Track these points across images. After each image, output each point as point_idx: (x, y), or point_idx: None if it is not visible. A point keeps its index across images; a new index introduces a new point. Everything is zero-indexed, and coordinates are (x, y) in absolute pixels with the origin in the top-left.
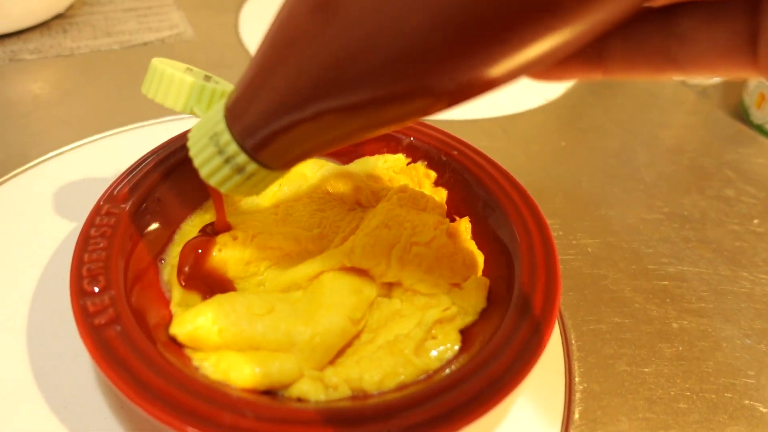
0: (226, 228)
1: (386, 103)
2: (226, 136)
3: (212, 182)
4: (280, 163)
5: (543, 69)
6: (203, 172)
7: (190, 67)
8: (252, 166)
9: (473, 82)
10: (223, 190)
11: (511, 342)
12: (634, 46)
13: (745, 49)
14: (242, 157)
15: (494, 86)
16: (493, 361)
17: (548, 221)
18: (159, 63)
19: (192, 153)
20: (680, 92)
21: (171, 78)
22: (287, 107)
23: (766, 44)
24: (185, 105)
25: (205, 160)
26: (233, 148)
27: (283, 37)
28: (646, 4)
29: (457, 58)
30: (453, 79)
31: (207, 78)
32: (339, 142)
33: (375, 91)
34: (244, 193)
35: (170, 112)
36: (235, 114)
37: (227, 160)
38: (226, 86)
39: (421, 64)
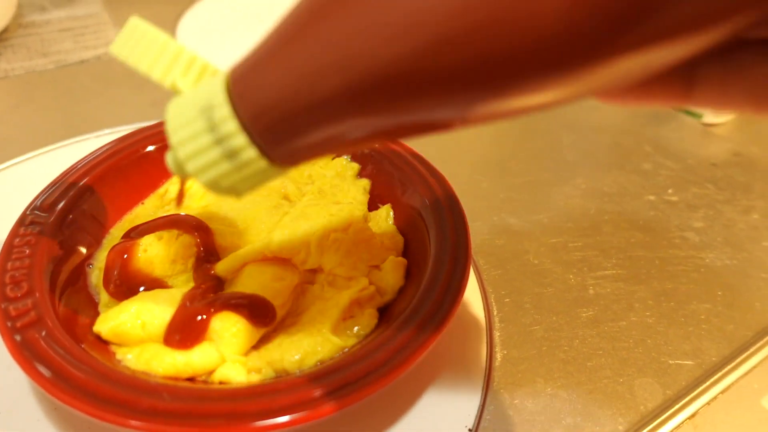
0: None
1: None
2: (224, 110)
3: (191, 166)
4: (286, 154)
5: (613, 94)
6: (182, 152)
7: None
8: (250, 152)
9: (526, 106)
10: (202, 179)
11: (421, 313)
12: (731, 75)
13: None
14: (241, 138)
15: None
16: (402, 332)
17: (474, 204)
18: (140, 21)
19: (170, 127)
20: None
21: (155, 37)
22: (326, 85)
23: None
24: (165, 72)
25: (187, 138)
26: (231, 124)
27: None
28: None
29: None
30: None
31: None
32: (360, 144)
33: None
34: (223, 189)
35: (107, 125)
36: (246, 88)
37: (219, 140)
38: (214, 65)
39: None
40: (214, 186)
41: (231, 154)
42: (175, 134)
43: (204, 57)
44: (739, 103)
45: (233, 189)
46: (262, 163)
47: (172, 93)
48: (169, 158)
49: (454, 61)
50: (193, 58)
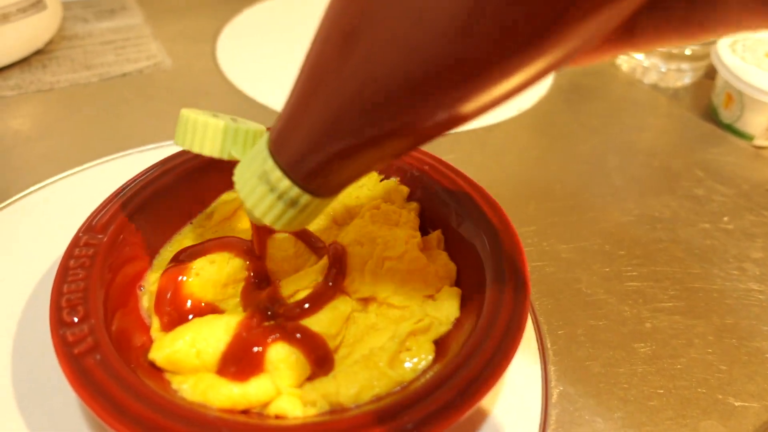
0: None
1: (430, 117)
2: (276, 173)
3: (267, 220)
4: (330, 189)
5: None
6: (258, 212)
7: (215, 113)
8: (305, 198)
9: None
10: (278, 226)
11: (482, 349)
12: (662, 18)
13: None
14: (295, 190)
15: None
16: (464, 369)
17: (522, 229)
18: (188, 113)
19: (242, 195)
20: (652, 96)
21: (205, 125)
22: (333, 135)
23: None
24: (222, 149)
25: (258, 200)
26: (285, 183)
27: (319, 66)
28: None
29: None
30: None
31: (234, 120)
32: (386, 161)
33: (421, 110)
34: (295, 226)
35: (150, 140)
36: (281, 147)
37: (280, 196)
38: (255, 126)
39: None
40: (288, 227)
41: (292, 203)
42: (247, 200)
43: (244, 123)
44: (673, 39)
45: (302, 224)
46: (316, 201)
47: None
48: (248, 213)
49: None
50: (236, 129)
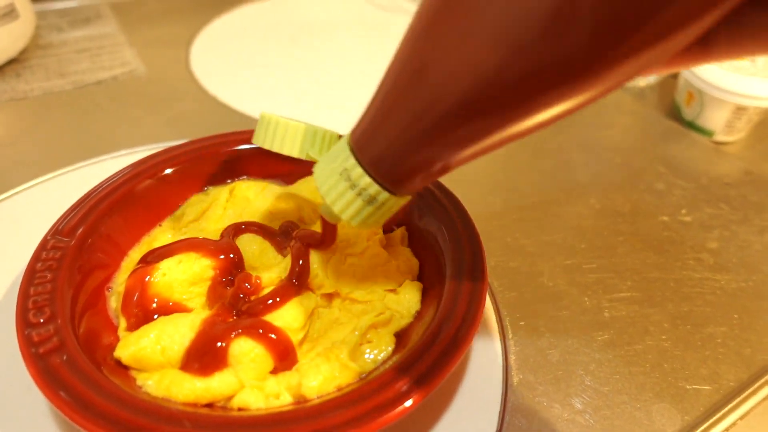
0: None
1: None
2: (357, 170)
3: (346, 216)
4: (408, 188)
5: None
6: (337, 208)
7: (289, 117)
8: (384, 195)
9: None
10: (355, 222)
11: (438, 339)
12: (738, 31)
13: None
14: (375, 188)
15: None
16: (421, 358)
17: (488, 225)
18: (269, 115)
19: (323, 191)
20: (618, 95)
21: (286, 126)
22: (415, 137)
23: None
24: (301, 150)
25: (338, 196)
26: (366, 180)
27: (405, 71)
28: None
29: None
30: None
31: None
32: (462, 163)
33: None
34: (370, 224)
35: (124, 146)
36: (364, 146)
37: (360, 193)
38: (330, 130)
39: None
40: (363, 224)
41: (370, 200)
42: (328, 196)
43: (321, 126)
44: (753, 51)
45: (376, 222)
46: (392, 199)
47: (310, 160)
48: (324, 211)
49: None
50: (315, 131)
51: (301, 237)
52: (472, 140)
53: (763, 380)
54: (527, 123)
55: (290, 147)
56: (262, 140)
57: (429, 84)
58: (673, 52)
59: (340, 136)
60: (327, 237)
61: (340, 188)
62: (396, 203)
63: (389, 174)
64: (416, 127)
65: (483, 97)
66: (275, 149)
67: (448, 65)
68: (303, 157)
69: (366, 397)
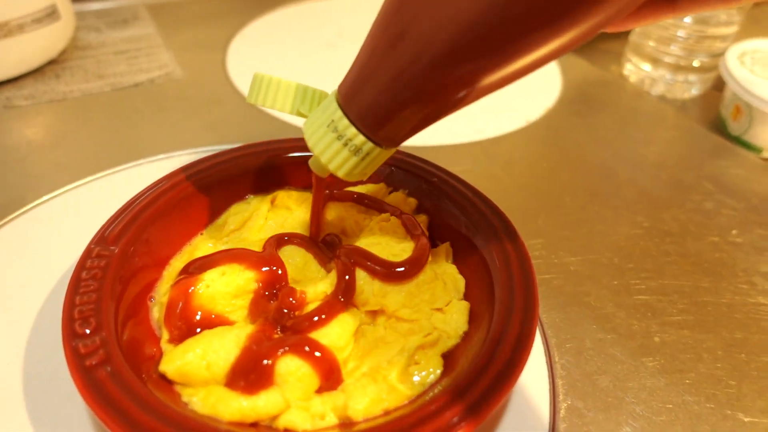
0: (317, 235)
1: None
2: (344, 122)
3: (332, 166)
4: (393, 140)
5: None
6: (324, 158)
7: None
8: (369, 146)
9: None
10: (341, 173)
11: (491, 364)
12: None
13: None
14: (360, 138)
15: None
16: (473, 384)
17: (531, 241)
18: (261, 74)
19: (311, 143)
20: (659, 107)
21: (278, 83)
22: (398, 90)
23: None
24: (292, 107)
25: (325, 146)
26: (352, 131)
27: (388, 25)
28: None
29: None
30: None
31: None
32: (443, 113)
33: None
34: (356, 175)
35: (161, 150)
36: (350, 99)
37: (346, 143)
38: (322, 90)
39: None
40: (350, 175)
41: (356, 150)
42: (315, 147)
43: (312, 86)
44: (713, 2)
45: (363, 174)
46: (377, 150)
47: (298, 117)
48: (312, 163)
49: None
50: (305, 89)
51: (351, 253)
52: (454, 88)
53: None
54: (509, 67)
55: (282, 104)
56: (254, 98)
57: (414, 35)
58: None
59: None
60: (313, 205)
61: (327, 139)
62: (381, 155)
63: (374, 125)
64: (400, 78)
65: (467, 42)
66: (267, 106)
67: (432, 15)
68: (294, 114)
69: (416, 425)
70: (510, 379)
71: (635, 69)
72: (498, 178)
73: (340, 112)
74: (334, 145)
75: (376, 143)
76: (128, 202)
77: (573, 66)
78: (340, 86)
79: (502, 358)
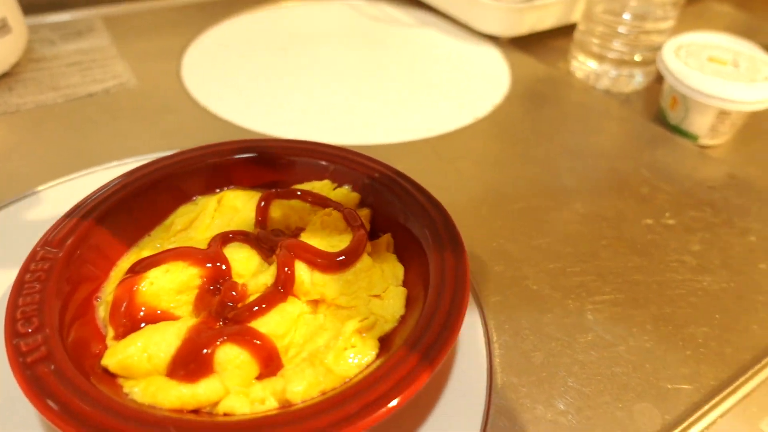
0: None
1: None
2: None
3: None
4: None
5: None
6: None
7: None
8: None
9: None
10: None
11: (420, 343)
12: None
13: None
14: None
15: None
16: (403, 362)
17: (474, 230)
18: None
19: None
20: (604, 101)
21: None
22: None
23: None
24: None
25: None
26: None
27: None
28: None
29: None
30: None
31: None
32: None
33: None
34: None
35: (115, 158)
36: None
37: None
38: None
39: None
40: None
41: None
42: None
43: None
44: None
45: None
46: None
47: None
48: None
49: None
50: None
51: (291, 246)
52: None
53: (743, 378)
54: None
55: None
56: None
57: None
58: None
59: None
60: (350, 255)
61: None
62: None
63: None
64: None
65: None
66: None
67: None
68: None
69: (349, 399)
70: (439, 355)
71: (581, 65)
72: (445, 172)
73: None
74: None
75: None
76: (75, 206)
77: (521, 63)
78: None
79: (432, 336)
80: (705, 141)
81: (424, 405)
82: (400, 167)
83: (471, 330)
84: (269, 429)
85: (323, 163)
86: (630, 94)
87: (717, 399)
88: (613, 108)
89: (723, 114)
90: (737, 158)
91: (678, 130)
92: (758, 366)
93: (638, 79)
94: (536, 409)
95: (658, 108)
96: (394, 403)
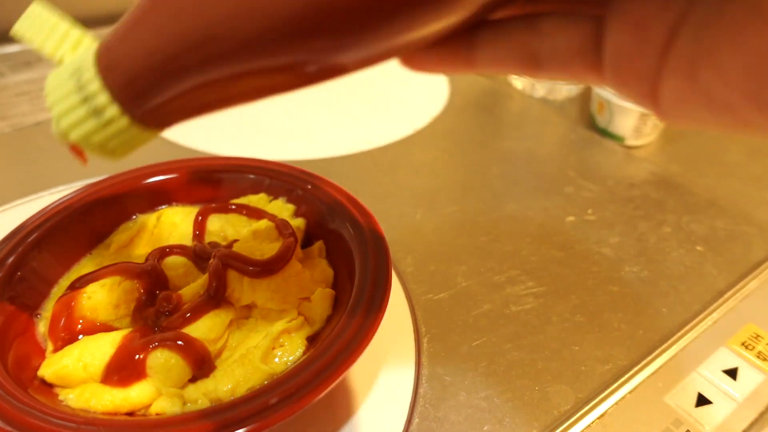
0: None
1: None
2: (90, 72)
3: (63, 124)
4: (149, 115)
5: (411, 53)
6: (55, 111)
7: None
8: (112, 110)
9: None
10: (73, 136)
11: (340, 338)
12: (502, 38)
13: (592, 54)
14: (103, 97)
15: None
16: (322, 356)
17: (408, 234)
18: (40, 5)
19: (47, 90)
20: (541, 110)
21: (49, 19)
22: (162, 52)
23: (611, 54)
24: (55, 49)
25: (59, 98)
26: (96, 84)
27: None
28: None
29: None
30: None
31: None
32: (213, 101)
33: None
34: (97, 147)
35: (62, 182)
36: (105, 51)
37: (85, 100)
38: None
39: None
40: (86, 143)
41: (96, 112)
42: (49, 96)
43: (92, 36)
44: (510, 66)
45: (104, 147)
46: (124, 121)
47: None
48: (54, 128)
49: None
50: (80, 36)
51: (223, 256)
52: (219, 72)
53: (650, 357)
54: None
55: (43, 42)
56: (20, 30)
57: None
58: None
59: None
60: (278, 261)
61: (67, 88)
62: (128, 130)
63: (126, 86)
64: (173, 33)
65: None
66: (28, 41)
67: None
68: (57, 59)
69: (269, 391)
70: (358, 347)
71: (518, 76)
72: (381, 183)
73: (91, 60)
74: (71, 98)
75: (128, 112)
76: (15, 229)
77: (460, 75)
78: (103, 38)
79: (351, 333)
80: (631, 142)
81: (353, 396)
82: (340, 180)
83: (401, 327)
84: (189, 423)
85: (259, 177)
86: (564, 102)
87: (626, 377)
88: (548, 115)
89: (644, 116)
90: (660, 157)
91: (606, 133)
92: (664, 345)
93: (571, 87)
94: (459, 396)
95: (590, 113)
96: (310, 394)
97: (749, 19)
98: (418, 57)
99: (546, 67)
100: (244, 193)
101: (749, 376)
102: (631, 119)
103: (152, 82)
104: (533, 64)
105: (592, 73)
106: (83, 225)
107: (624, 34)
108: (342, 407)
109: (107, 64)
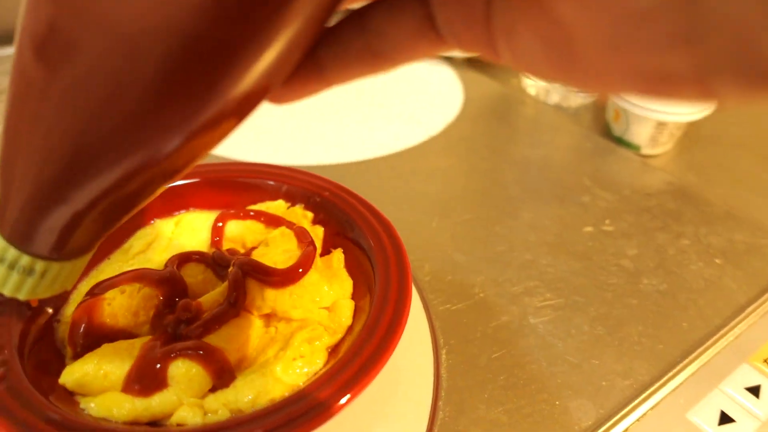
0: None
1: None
2: (1, 243)
3: (7, 292)
4: (66, 252)
5: (272, 97)
6: None
7: None
8: (40, 265)
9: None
10: (22, 296)
11: (363, 350)
12: (341, 50)
13: (430, 31)
14: (26, 259)
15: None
16: (344, 370)
17: (424, 242)
18: None
19: None
20: (555, 116)
21: None
22: (41, 195)
23: (444, 24)
24: None
25: None
26: (12, 252)
27: (14, 117)
28: (342, 7)
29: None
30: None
31: None
32: (115, 217)
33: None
34: (50, 291)
35: None
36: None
37: (11, 266)
38: None
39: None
40: (38, 294)
41: (27, 272)
42: None
43: None
44: (360, 70)
45: (62, 287)
46: (57, 265)
47: None
48: None
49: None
50: None
51: (242, 264)
52: (102, 189)
53: (671, 373)
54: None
55: None
56: None
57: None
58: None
59: None
60: (297, 271)
61: None
62: (65, 268)
63: (32, 243)
64: (38, 186)
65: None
66: None
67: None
68: None
69: (293, 404)
70: (380, 359)
71: (533, 82)
72: (397, 189)
73: None
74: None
75: (49, 259)
76: None
77: (474, 81)
78: None
79: (373, 345)
80: (647, 151)
81: (373, 408)
82: (355, 185)
83: (419, 337)
84: None
85: (276, 184)
86: (579, 109)
87: (648, 392)
88: (562, 122)
89: (660, 125)
90: (676, 166)
91: (621, 142)
92: (686, 361)
93: (585, 95)
94: (479, 410)
95: (604, 121)
96: (332, 409)
97: None
98: (276, 95)
99: (393, 59)
100: (261, 200)
101: None
102: (647, 128)
103: (46, 226)
104: (381, 61)
105: (438, 45)
106: None
107: (447, 5)
108: (358, 421)
109: (10, 231)
